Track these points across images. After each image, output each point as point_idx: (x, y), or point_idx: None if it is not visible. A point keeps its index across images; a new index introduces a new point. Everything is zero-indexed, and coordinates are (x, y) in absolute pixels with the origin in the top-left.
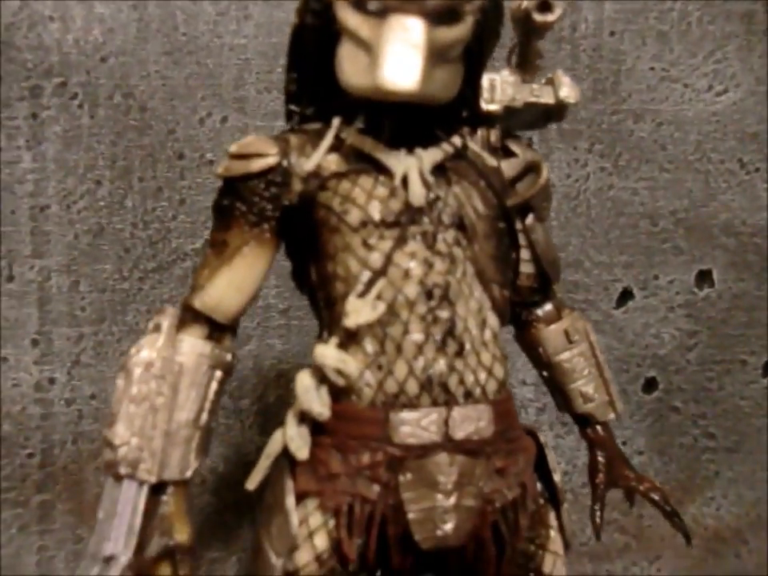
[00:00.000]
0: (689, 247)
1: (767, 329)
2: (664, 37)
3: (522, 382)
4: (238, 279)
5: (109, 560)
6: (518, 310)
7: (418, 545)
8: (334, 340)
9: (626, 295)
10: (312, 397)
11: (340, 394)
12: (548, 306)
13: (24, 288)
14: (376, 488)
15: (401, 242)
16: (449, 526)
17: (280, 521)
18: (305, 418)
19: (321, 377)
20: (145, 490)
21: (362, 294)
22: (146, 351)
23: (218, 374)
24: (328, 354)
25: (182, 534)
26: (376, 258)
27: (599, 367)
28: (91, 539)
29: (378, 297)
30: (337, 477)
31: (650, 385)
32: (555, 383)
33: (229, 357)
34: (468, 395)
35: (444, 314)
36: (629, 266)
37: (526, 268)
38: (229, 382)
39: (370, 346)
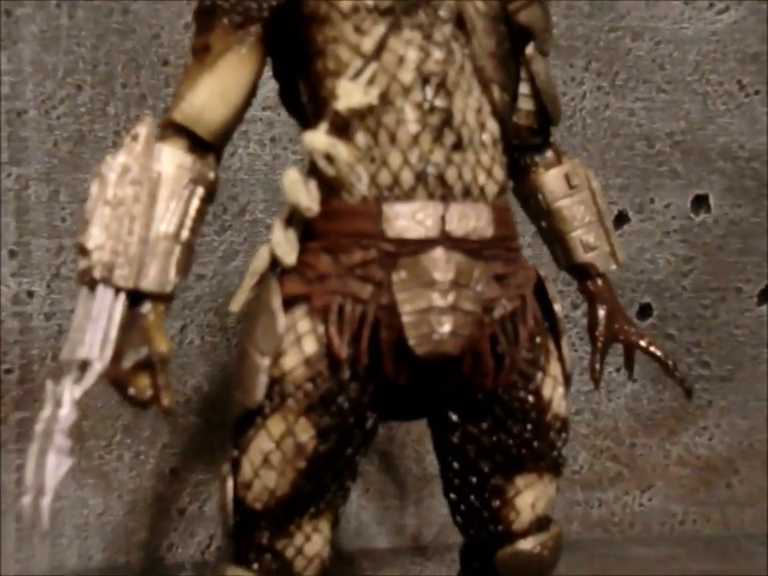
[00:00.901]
0: (685, 171)
1: (764, 256)
2: None
3: None
4: (221, 87)
5: (83, 367)
6: (516, 156)
7: (413, 351)
8: (324, 126)
9: (621, 218)
10: (299, 190)
11: (330, 191)
12: (548, 152)
13: (0, 197)
14: (368, 287)
15: (395, 28)
16: (445, 329)
17: (265, 321)
18: (292, 220)
19: (309, 170)
20: (121, 298)
21: (354, 78)
22: (123, 157)
23: (200, 190)
24: (317, 138)
25: (161, 345)
26: (368, 43)
27: (600, 216)
28: (63, 349)
29: (371, 82)
30: (326, 277)
31: (644, 311)
32: (554, 232)
33: (212, 174)
34: (466, 193)
35: (441, 102)
36: (624, 188)
37: (526, 104)
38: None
39: (362, 138)
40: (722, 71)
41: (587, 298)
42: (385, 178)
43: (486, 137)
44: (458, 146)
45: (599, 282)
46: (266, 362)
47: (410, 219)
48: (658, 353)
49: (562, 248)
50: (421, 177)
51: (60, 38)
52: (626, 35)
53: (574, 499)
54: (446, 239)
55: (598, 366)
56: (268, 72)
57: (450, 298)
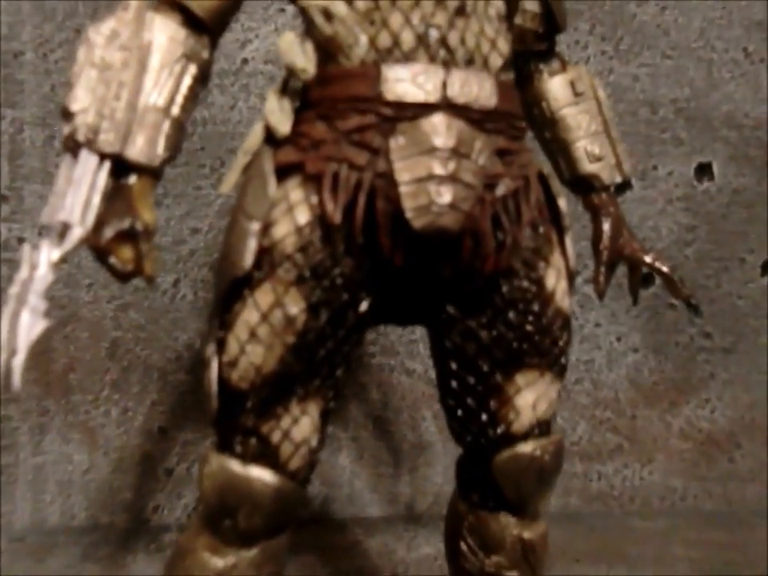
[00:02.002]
0: (689, 138)
1: (767, 226)
2: None
3: None
4: None
5: (63, 231)
6: (520, 63)
7: (410, 224)
8: None
9: (624, 186)
10: (296, 50)
11: (327, 56)
12: (553, 60)
13: None
14: (365, 154)
15: None
16: (444, 199)
17: (255, 186)
18: (287, 88)
19: (306, 31)
20: (106, 166)
21: None
22: (112, 22)
23: (193, 68)
24: None
25: (146, 214)
26: None
27: (606, 125)
28: (43, 212)
29: None
30: (321, 143)
31: (645, 279)
32: (558, 142)
33: (205, 53)
34: (470, 61)
35: None
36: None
37: (531, 5)
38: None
39: (362, 1)
40: (727, 38)
41: (591, 211)
42: (384, 39)
43: (491, 11)
44: (461, 11)
45: (604, 195)
46: (254, 226)
47: (410, 82)
48: (664, 269)
49: (565, 159)
50: (422, 38)
51: None
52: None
53: (572, 471)
54: (448, 105)
55: (602, 279)
56: (269, 26)
57: (451, 166)
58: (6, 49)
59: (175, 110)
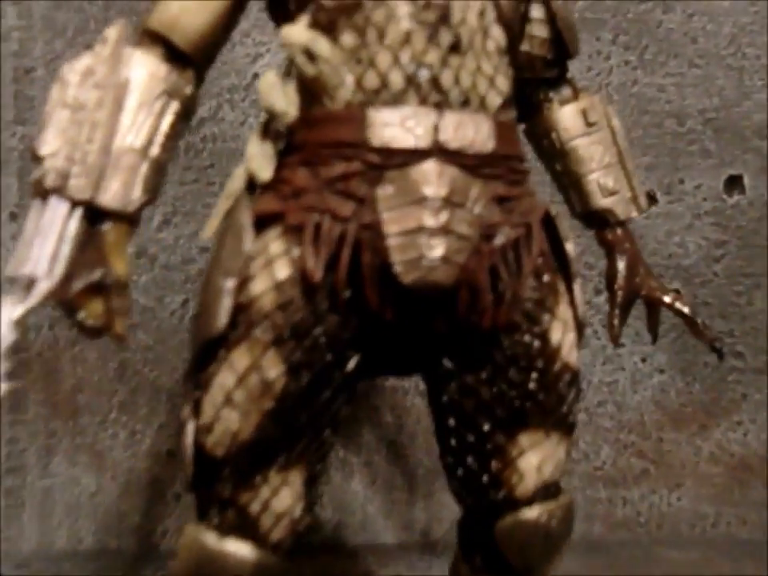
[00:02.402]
0: (718, 150)
1: None
2: None
3: None
4: None
5: (29, 285)
6: (528, 92)
7: (399, 279)
8: (305, 19)
9: (648, 199)
10: (276, 93)
11: (311, 97)
12: (564, 88)
13: (4, 156)
14: (349, 204)
15: None
16: (436, 253)
17: (231, 239)
18: (269, 130)
19: (288, 71)
20: (77, 213)
21: None
22: (87, 59)
23: (175, 104)
24: (295, 32)
25: (119, 266)
26: None
27: (621, 157)
28: (9, 263)
29: None
30: (303, 192)
31: None
32: (569, 175)
33: (188, 89)
34: (465, 102)
35: None
36: (652, 168)
37: (539, 30)
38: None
39: (348, 38)
40: (759, 44)
41: (605, 248)
42: (372, 80)
43: (490, 45)
44: (455, 47)
45: (618, 230)
46: (229, 283)
47: (398, 126)
48: (685, 309)
49: (577, 192)
50: (412, 79)
51: None
52: (657, 7)
53: (596, 497)
54: (439, 151)
55: (617, 322)
56: (280, 41)
57: (443, 217)
58: (17, 65)
59: (154, 151)
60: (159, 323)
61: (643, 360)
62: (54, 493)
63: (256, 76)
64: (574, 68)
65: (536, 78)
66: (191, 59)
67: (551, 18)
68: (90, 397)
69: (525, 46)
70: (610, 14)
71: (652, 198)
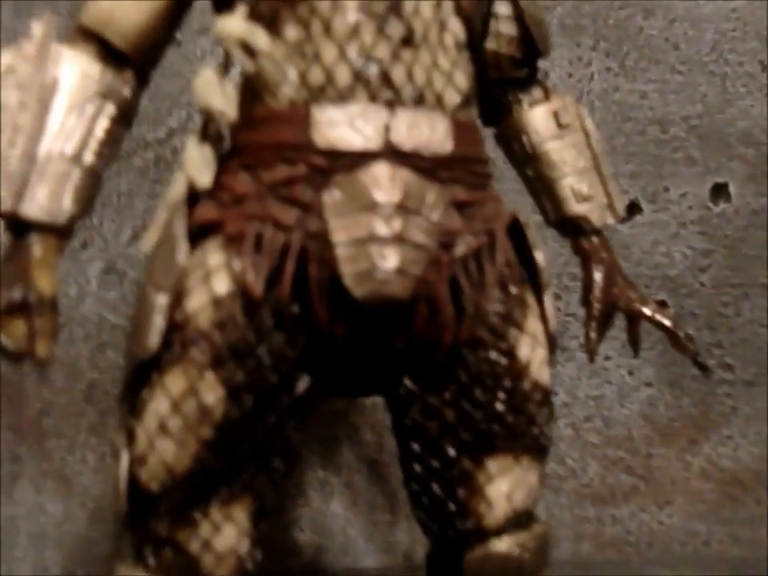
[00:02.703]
0: (702, 157)
1: None
2: None
3: None
4: None
5: None
6: (497, 93)
7: (350, 292)
8: (242, 9)
9: (632, 208)
10: (213, 91)
11: (252, 96)
12: (534, 89)
13: None
14: (293, 211)
15: None
16: (389, 264)
17: (164, 252)
18: (208, 134)
19: (226, 67)
20: None
21: None
22: (8, 56)
23: (110, 107)
24: (231, 23)
25: (43, 283)
26: None
27: (596, 161)
28: None
29: None
30: (243, 199)
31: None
32: (541, 181)
33: (126, 91)
34: (419, 99)
35: None
36: (636, 176)
37: (507, 28)
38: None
39: (291, 31)
40: (742, 51)
41: (581, 257)
42: (316, 75)
43: (447, 39)
44: (408, 40)
45: (594, 239)
46: (162, 299)
47: (345, 126)
48: (666, 322)
49: (550, 199)
50: (360, 75)
51: (35, 5)
52: (637, 13)
53: (583, 516)
54: (391, 152)
55: (593, 335)
56: None
57: (396, 225)
58: None
59: (88, 157)
60: None
61: (630, 373)
62: (19, 522)
63: None
64: (555, 75)
65: (504, 79)
66: (129, 58)
67: (518, 15)
68: (58, 420)
69: (491, 45)
70: (590, 20)
71: (637, 207)
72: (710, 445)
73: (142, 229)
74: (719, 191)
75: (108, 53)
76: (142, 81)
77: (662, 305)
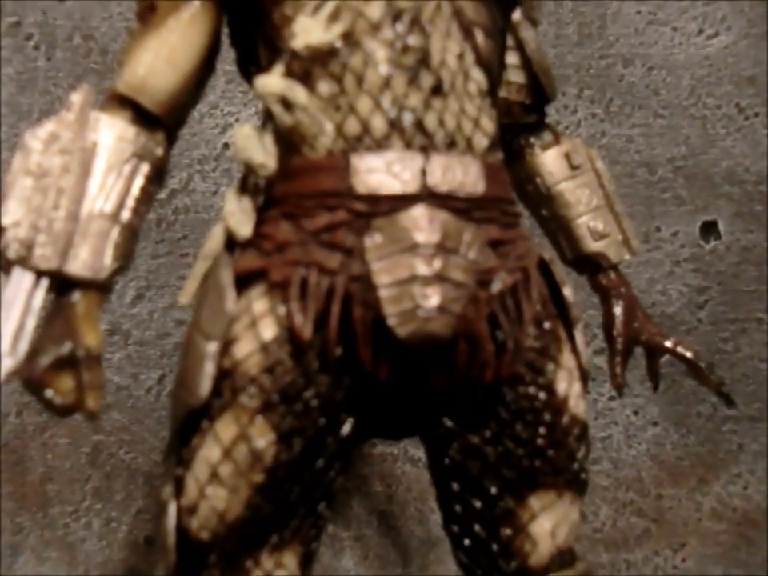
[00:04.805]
0: (690, 197)
1: None
2: None
3: None
4: (167, 49)
5: None
6: (509, 138)
7: (393, 332)
8: (279, 68)
9: None
10: (253, 145)
11: (290, 148)
12: (544, 133)
13: None
14: (336, 255)
15: None
16: (432, 302)
17: (212, 300)
18: (247, 186)
19: (264, 122)
20: (43, 284)
21: (313, 14)
22: (51, 125)
23: (145, 167)
24: (270, 80)
25: (90, 338)
26: None
27: (609, 199)
28: None
29: (333, 18)
30: (286, 246)
31: None
32: (557, 220)
33: (159, 151)
34: (451, 144)
35: (415, 41)
36: (627, 217)
37: (516, 76)
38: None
39: (325, 86)
40: (718, 95)
41: (600, 294)
42: (353, 126)
43: (472, 87)
44: (437, 90)
45: (612, 275)
46: (212, 347)
47: (384, 172)
48: (688, 354)
49: (567, 237)
50: (395, 123)
51: (37, 80)
52: (617, 62)
53: (598, 562)
54: (428, 195)
55: (619, 370)
56: (249, 110)
57: (437, 264)
58: None
59: (125, 215)
60: (135, 402)
61: (635, 413)
62: None
63: (226, 146)
64: None
65: (515, 124)
66: (161, 121)
67: (526, 64)
68: (61, 485)
69: (502, 93)
70: (573, 70)
71: None
72: (719, 484)
73: (146, 289)
74: (709, 229)
75: (141, 117)
76: (171, 140)
77: (678, 339)
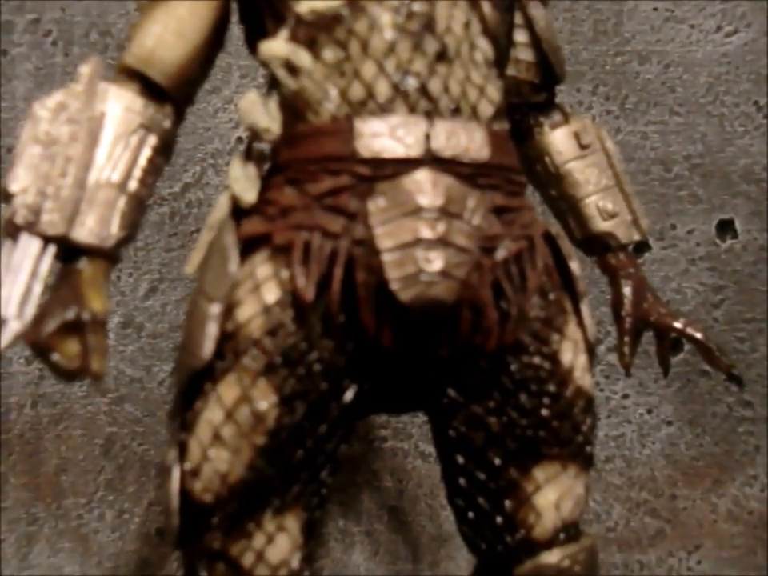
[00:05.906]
0: (707, 195)
1: None
2: None
3: None
4: (175, 21)
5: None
6: (518, 117)
7: (396, 297)
8: (284, 33)
9: (641, 246)
10: (258, 110)
11: (294, 114)
12: (554, 112)
13: None
14: (340, 219)
15: None
16: (434, 266)
17: (215, 263)
18: (251, 152)
19: (269, 88)
20: (50, 250)
21: None
22: (60, 95)
23: (152, 138)
24: (275, 45)
25: (96, 303)
26: None
27: (618, 179)
28: None
29: None
30: (290, 211)
31: (674, 346)
32: (566, 200)
33: (167, 123)
34: (456, 110)
35: (420, 7)
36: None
37: (525, 54)
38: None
39: (330, 53)
40: (736, 93)
41: (608, 274)
42: (357, 91)
43: (477, 54)
44: (442, 55)
45: (621, 255)
46: (215, 309)
47: (387, 136)
48: (698, 335)
49: (575, 217)
50: (399, 88)
51: (54, 75)
52: (633, 59)
53: (610, 562)
54: (432, 159)
55: (627, 350)
56: None
57: (440, 228)
58: (0, 145)
59: (132, 185)
60: (148, 394)
61: (649, 411)
62: None
63: (239, 140)
64: None
65: (525, 103)
66: (169, 94)
67: (536, 42)
68: (75, 477)
69: (511, 71)
70: (587, 67)
71: (645, 245)
72: (735, 485)
73: (159, 282)
74: (725, 227)
75: (149, 89)
76: (179, 115)
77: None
